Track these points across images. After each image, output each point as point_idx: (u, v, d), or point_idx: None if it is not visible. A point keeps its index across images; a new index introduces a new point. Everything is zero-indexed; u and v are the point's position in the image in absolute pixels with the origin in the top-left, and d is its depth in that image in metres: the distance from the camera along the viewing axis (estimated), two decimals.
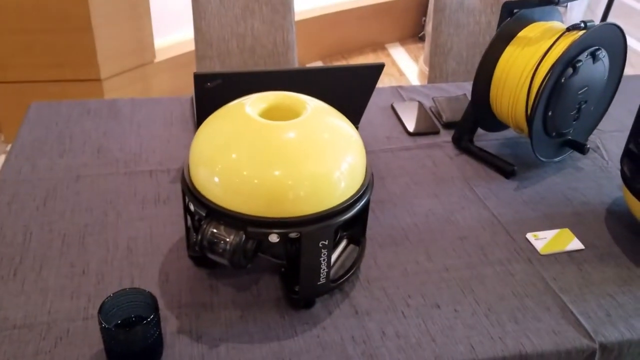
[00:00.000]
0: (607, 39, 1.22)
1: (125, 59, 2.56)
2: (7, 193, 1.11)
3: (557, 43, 1.18)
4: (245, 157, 0.83)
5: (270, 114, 0.91)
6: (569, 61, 1.16)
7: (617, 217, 1.17)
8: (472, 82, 1.67)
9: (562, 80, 1.17)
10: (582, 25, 1.19)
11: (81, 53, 2.39)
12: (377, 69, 1.19)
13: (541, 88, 1.16)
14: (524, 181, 1.27)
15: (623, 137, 1.43)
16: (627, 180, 1.10)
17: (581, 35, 1.16)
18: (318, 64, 3.48)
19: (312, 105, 0.90)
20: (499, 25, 1.27)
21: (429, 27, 3.39)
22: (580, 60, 1.17)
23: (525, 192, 1.23)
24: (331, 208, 0.82)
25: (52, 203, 1.09)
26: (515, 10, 1.25)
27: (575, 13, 3.49)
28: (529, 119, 1.20)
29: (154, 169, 1.21)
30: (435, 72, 2.03)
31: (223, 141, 0.86)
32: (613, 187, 1.26)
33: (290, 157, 0.82)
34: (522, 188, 1.24)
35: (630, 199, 1.09)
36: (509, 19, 1.25)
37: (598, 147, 1.39)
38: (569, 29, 1.19)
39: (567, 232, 1.12)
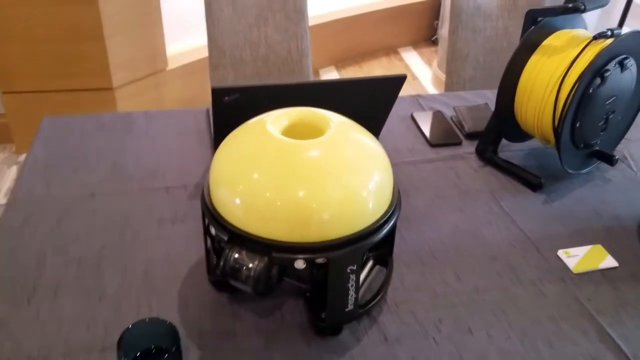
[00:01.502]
0: (635, 46, 1.18)
1: (137, 67, 2.54)
2: (21, 213, 1.08)
3: (584, 52, 1.14)
4: (268, 178, 0.79)
5: (292, 131, 0.87)
6: (597, 71, 1.12)
7: None
8: (491, 90, 1.63)
9: (590, 91, 1.13)
10: (609, 33, 1.15)
11: (93, 62, 2.37)
12: (399, 81, 1.16)
13: (569, 98, 1.12)
14: (551, 194, 1.22)
15: None
16: None
17: (609, 44, 1.11)
18: (331, 69, 3.44)
19: (336, 122, 0.87)
20: (522, 33, 1.23)
21: (442, 31, 3.35)
22: (608, 70, 1.13)
23: (554, 206, 1.19)
24: (360, 231, 0.79)
25: (66, 224, 1.06)
26: (539, 19, 1.21)
27: (589, 15, 3.43)
28: (557, 130, 1.16)
29: (170, 186, 1.18)
30: (453, 78, 1.99)
31: (244, 161, 0.83)
32: None
33: (315, 177, 0.79)
34: (549, 202, 1.20)
35: None
36: (532, 28, 1.21)
37: (625, 157, 1.35)
38: (595, 37, 1.15)
39: (599, 248, 1.08)
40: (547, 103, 1.17)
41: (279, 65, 1.98)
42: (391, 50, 3.71)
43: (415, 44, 3.79)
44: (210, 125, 1.36)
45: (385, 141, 1.36)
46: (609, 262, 1.05)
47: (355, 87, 1.15)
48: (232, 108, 1.10)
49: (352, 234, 0.78)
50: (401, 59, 3.62)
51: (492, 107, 1.47)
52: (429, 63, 3.58)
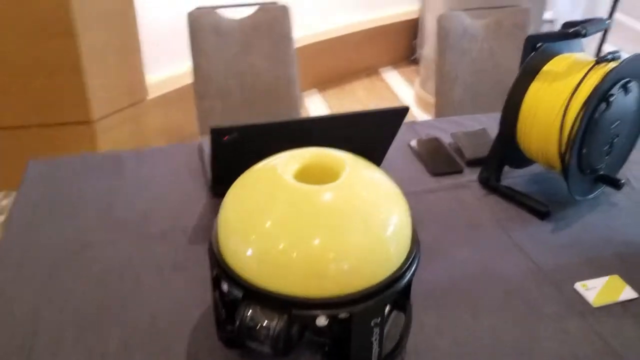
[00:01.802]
0: (637, 69, 1.17)
1: (117, 98, 2.48)
2: (11, 267, 1.01)
3: (587, 77, 1.12)
4: (283, 227, 0.75)
5: (305, 175, 0.83)
6: (602, 96, 1.11)
7: None
8: (485, 114, 1.62)
9: (596, 116, 1.11)
10: (610, 57, 1.14)
11: (72, 95, 2.30)
12: (401, 113, 1.13)
13: (575, 124, 1.10)
14: (559, 222, 1.20)
15: None
16: None
17: (612, 68, 1.10)
18: (313, 92, 3.41)
19: (350, 163, 0.83)
20: (522, 59, 1.21)
21: (422, 50, 3.35)
22: (613, 94, 1.12)
23: (563, 235, 1.16)
24: (384, 279, 0.74)
25: (60, 277, 1.00)
26: (538, 45, 1.20)
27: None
28: (564, 157, 1.13)
29: (167, 230, 1.12)
30: (442, 100, 1.98)
31: (255, 209, 0.78)
32: None
33: (334, 225, 0.74)
34: (559, 230, 1.17)
35: None
36: (533, 53, 1.19)
37: (629, 180, 1.33)
38: (597, 62, 1.14)
39: (617, 279, 1.05)
40: (552, 129, 1.15)
41: (267, 93, 1.94)
42: (372, 70, 3.70)
43: (395, 64, 3.79)
44: (204, 163, 1.30)
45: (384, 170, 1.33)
46: (629, 293, 1.02)
47: (357, 120, 1.12)
48: (231, 148, 1.06)
49: (377, 284, 0.74)
50: (382, 79, 3.61)
51: (490, 132, 1.45)
52: (410, 82, 3.58)
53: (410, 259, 0.78)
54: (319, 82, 3.49)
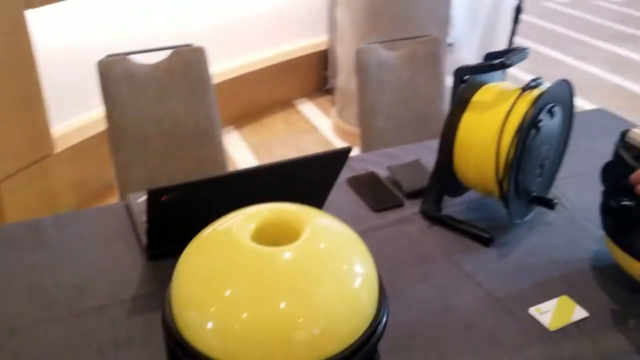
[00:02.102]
0: (561, 94, 1.22)
1: (21, 155, 2.30)
2: None
3: (515, 105, 1.16)
4: (244, 295, 0.70)
5: (263, 235, 0.78)
6: (532, 122, 1.14)
7: (605, 273, 1.14)
8: (415, 144, 1.64)
9: (528, 142, 1.14)
10: (534, 84, 1.18)
11: None
12: (344, 154, 1.10)
13: (510, 152, 1.13)
14: (503, 247, 1.21)
15: (577, 182, 1.44)
16: (613, 236, 1.08)
17: (539, 95, 1.14)
18: (230, 129, 3.35)
19: (310, 218, 0.79)
20: (453, 91, 1.23)
21: (336, 80, 3.39)
22: (541, 120, 1.15)
23: (509, 260, 1.18)
24: (358, 338, 0.71)
25: None
26: (465, 77, 1.22)
27: (465, 52, 3.64)
28: (502, 184, 1.15)
29: (104, 303, 1.02)
30: (367, 132, 1.99)
31: (213, 277, 0.73)
32: (588, 240, 1.24)
33: (301, 288, 0.70)
34: (504, 256, 1.19)
35: (620, 255, 1.07)
36: (462, 85, 1.22)
37: (558, 197, 1.38)
38: (523, 89, 1.18)
39: (567, 299, 1.07)
40: (488, 157, 1.17)
41: (188, 138, 1.87)
42: (287, 103, 3.70)
43: (309, 95, 3.81)
44: (135, 225, 1.21)
45: (328, 211, 1.30)
46: (580, 313, 1.04)
47: (300, 166, 1.08)
48: (170, 208, 0.99)
49: (352, 344, 0.70)
50: (298, 111, 3.62)
51: (422, 162, 1.46)
52: (325, 112, 3.61)
53: (382, 309, 0.75)
54: (235, 119, 3.44)
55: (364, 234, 1.22)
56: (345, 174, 1.44)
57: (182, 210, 1.00)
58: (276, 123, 3.47)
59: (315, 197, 1.19)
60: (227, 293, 0.71)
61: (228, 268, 0.72)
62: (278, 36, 3.58)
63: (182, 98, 1.84)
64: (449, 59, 4.07)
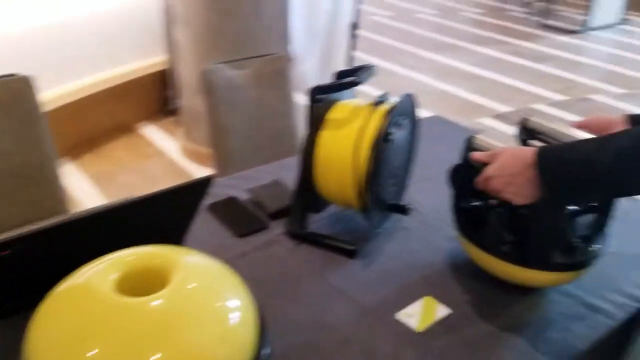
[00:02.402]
0: (408, 107, 1.30)
1: None
2: None
3: (367, 121, 1.21)
4: (111, 354, 0.64)
5: (129, 284, 0.72)
6: (384, 136, 1.20)
7: (461, 270, 1.23)
8: (271, 164, 1.64)
9: (382, 155, 1.20)
10: (382, 99, 1.24)
11: None
12: (204, 183, 1.07)
13: (368, 166, 1.17)
14: (367, 257, 1.26)
15: (426, 187, 1.53)
16: (466, 234, 1.17)
17: (388, 110, 1.20)
18: (65, 161, 3.10)
19: (177, 259, 0.75)
20: (309, 110, 1.25)
21: (182, 101, 3.29)
22: (392, 133, 1.22)
23: (374, 269, 1.22)
24: None
25: None
26: (319, 96, 1.25)
27: (306, 67, 3.75)
28: (364, 198, 1.20)
29: None
30: (221, 154, 1.95)
31: (74, 338, 0.66)
32: (441, 239, 1.33)
33: (176, 339, 0.66)
34: (369, 265, 1.23)
35: (473, 251, 1.16)
36: (316, 104, 1.24)
37: (411, 203, 1.47)
38: (374, 105, 1.23)
39: (429, 300, 1.14)
40: (347, 172, 1.21)
41: (21, 178, 1.69)
42: (127, 128, 3.51)
43: (151, 118, 3.66)
44: None
45: (191, 244, 1.25)
46: (443, 310, 1.11)
47: (156, 201, 1.02)
48: (12, 262, 0.88)
49: None
50: (141, 136, 3.46)
51: (283, 181, 1.47)
52: (170, 134, 3.49)
53: (263, 341, 0.74)
54: (71, 150, 3.19)
55: (231, 262, 1.18)
56: (204, 200, 1.40)
57: (28, 263, 0.90)
58: (117, 150, 3.28)
59: (176, 231, 1.14)
60: (93, 353, 0.64)
61: (91, 325, 0.66)
62: (111, 57, 3.39)
63: (11, 134, 1.66)
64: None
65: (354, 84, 1.21)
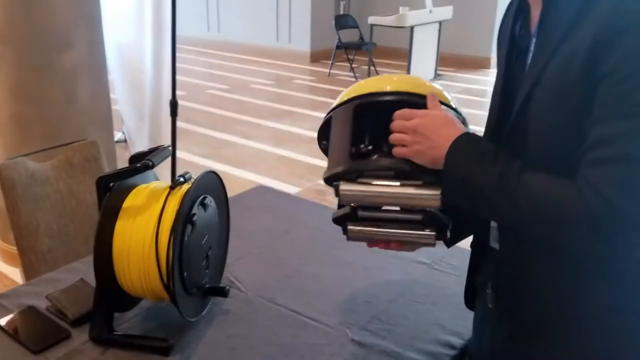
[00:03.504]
0: (209, 185, 1.26)
1: None
2: None
3: (167, 204, 1.15)
4: None
5: None
6: (185, 218, 1.14)
7: (286, 350, 1.18)
8: (79, 261, 1.50)
9: (186, 239, 1.14)
10: (182, 179, 1.19)
11: None
12: None
13: (169, 253, 1.10)
14: (184, 351, 1.16)
15: (248, 262, 1.49)
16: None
17: (187, 190, 1.15)
18: None
19: None
20: (99, 201, 1.16)
21: None
22: (195, 214, 1.16)
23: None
24: None
25: None
26: (111, 184, 1.17)
27: (138, 147, 3.62)
28: (169, 288, 1.12)
29: None
30: (30, 256, 1.76)
31: None
32: (264, 319, 1.28)
33: None
34: (187, 359, 1.14)
35: None
36: (108, 194, 1.16)
37: (232, 282, 1.41)
38: (172, 187, 1.18)
39: None
40: (149, 263, 1.12)
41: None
42: None
43: None
44: None
45: None
46: None
47: None
48: None
49: None
50: None
51: (90, 280, 1.34)
52: None
53: None
54: None
55: None
56: None
57: None
58: None
59: None
60: None
61: None
62: None
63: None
64: (124, 155, 3.98)
65: (147, 167, 1.15)
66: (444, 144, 0.93)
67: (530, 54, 0.94)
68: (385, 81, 1.09)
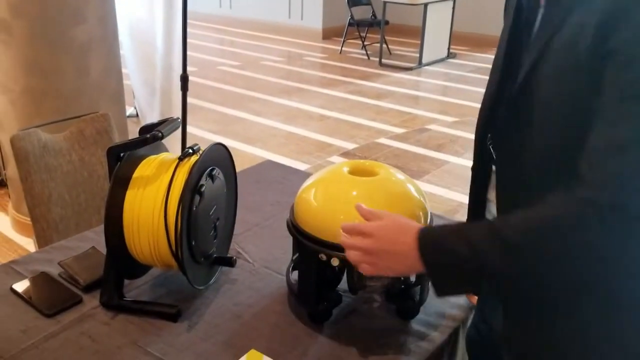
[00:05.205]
0: (217, 157, 1.28)
1: None
2: None
3: (175, 174, 1.17)
4: None
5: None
6: (193, 188, 1.16)
7: (290, 318, 1.21)
8: (92, 230, 1.53)
9: (194, 209, 1.16)
10: (191, 151, 1.21)
11: None
12: None
13: (178, 222, 1.13)
14: (192, 317, 1.20)
15: (255, 234, 1.51)
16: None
17: (195, 161, 1.17)
18: None
19: None
20: (109, 171, 1.19)
21: (7, 171, 3.03)
22: (202, 185, 1.19)
23: (200, 329, 1.17)
24: None
25: None
26: (122, 154, 1.19)
27: (149, 120, 3.64)
28: (177, 255, 1.15)
29: None
30: (42, 225, 1.80)
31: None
32: (270, 288, 1.31)
33: None
34: (192, 327, 1.17)
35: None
36: (119, 164, 1.18)
37: (240, 253, 1.44)
38: (180, 158, 1.20)
39: (254, 353, 1.10)
40: (158, 232, 1.15)
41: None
42: None
43: None
44: None
45: None
46: None
47: None
48: None
49: None
50: None
51: (101, 248, 1.37)
52: (1, 208, 3.19)
53: None
54: None
55: (36, 348, 1.08)
56: (8, 282, 1.27)
57: None
58: None
59: None
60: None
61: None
62: None
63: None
64: (136, 129, 4.01)
65: (155, 138, 1.17)
66: (409, 251, 0.91)
67: (537, 24, 0.94)
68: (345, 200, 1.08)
